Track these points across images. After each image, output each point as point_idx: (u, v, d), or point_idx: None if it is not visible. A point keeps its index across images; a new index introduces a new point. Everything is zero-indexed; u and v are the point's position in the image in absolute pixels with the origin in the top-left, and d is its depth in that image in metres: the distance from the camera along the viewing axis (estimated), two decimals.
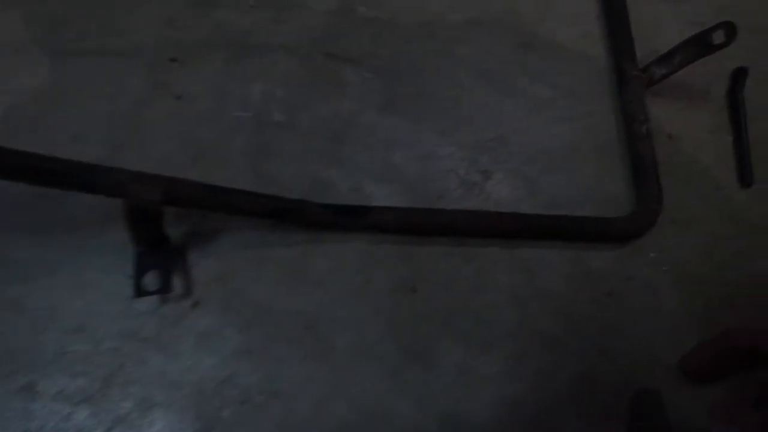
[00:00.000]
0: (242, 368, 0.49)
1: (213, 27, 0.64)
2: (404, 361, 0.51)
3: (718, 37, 0.56)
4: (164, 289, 0.48)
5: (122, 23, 0.63)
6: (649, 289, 0.57)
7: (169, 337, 0.49)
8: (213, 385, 0.48)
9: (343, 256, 0.54)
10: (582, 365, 0.53)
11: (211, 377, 0.48)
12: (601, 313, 0.55)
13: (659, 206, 0.57)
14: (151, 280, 0.49)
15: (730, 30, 0.55)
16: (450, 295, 0.54)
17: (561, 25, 0.68)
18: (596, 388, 0.53)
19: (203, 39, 0.63)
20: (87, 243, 0.52)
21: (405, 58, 0.64)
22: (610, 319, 0.55)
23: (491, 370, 0.52)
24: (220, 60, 0.62)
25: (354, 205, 0.54)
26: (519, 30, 0.67)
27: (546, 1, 0.68)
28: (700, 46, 0.58)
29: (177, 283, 0.50)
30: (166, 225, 0.50)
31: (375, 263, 0.54)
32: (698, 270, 0.58)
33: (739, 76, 0.66)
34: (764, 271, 0.59)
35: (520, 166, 0.60)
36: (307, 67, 0.63)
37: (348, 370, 0.50)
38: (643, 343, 0.55)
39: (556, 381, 0.52)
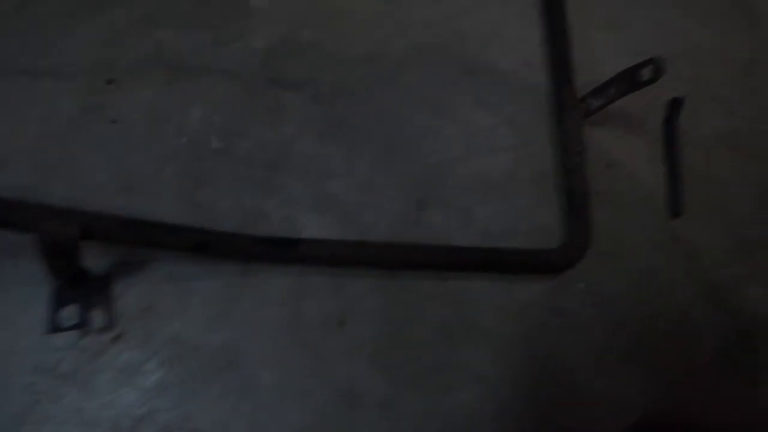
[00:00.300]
0: (162, 405, 0.48)
1: (153, 47, 0.62)
2: (330, 398, 0.51)
3: (647, 73, 0.57)
4: (82, 323, 0.47)
5: (57, 42, 0.61)
6: (577, 321, 0.57)
7: (88, 372, 0.48)
8: (130, 423, 0.47)
9: (271, 289, 0.53)
10: (510, 398, 0.54)
11: (128, 414, 0.47)
12: (530, 345, 0.56)
13: (588, 239, 0.57)
14: (69, 314, 0.48)
15: (658, 67, 0.56)
16: (379, 329, 0.53)
17: (505, 51, 0.68)
18: (524, 424, 0.54)
19: (142, 60, 0.61)
20: (3, 274, 0.51)
21: (347, 85, 0.63)
22: (540, 352, 0.56)
23: (416, 406, 0.52)
24: (158, 82, 0.61)
25: (283, 237, 0.54)
26: (463, 56, 0.66)
27: (491, 26, 0.68)
28: (631, 80, 0.58)
29: (98, 315, 0.49)
30: (87, 257, 0.49)
31: (304, 296, 0.54)
32: (626, 301, 0.58)
33: (674, 106, 0.66)
34: (691, 301, 0.60)
35: (456, 196, 0.60)
36: (248, 91, 0.62)
37: (271, 407, 0.49)
38: (572, 374, 0.56)
39: (484, 415, 0.53)
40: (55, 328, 0.47)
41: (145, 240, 0.48)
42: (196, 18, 0.64)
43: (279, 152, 0.59)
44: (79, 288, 0.48)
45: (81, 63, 0.61)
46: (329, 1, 0.66)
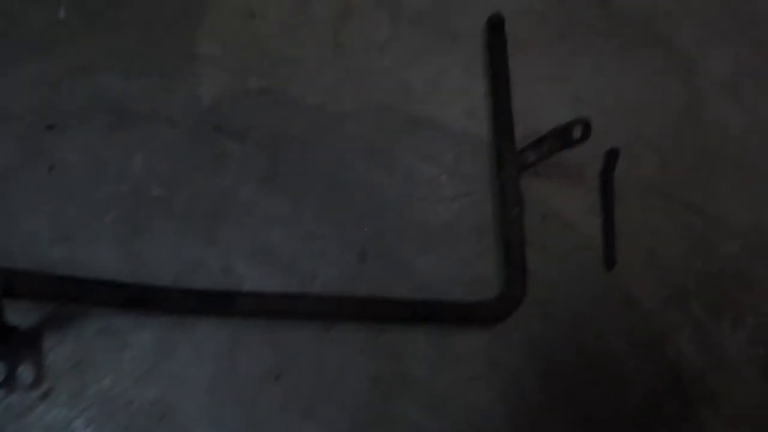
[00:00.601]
0: None
1: (97, 92, 0.62)
2: None
3: (577, 132, 0.60)
4: (7, 381, 0.47)
5: None
6: (512, 373, 0.59)
7: (13, 431, 0.48)
8: None
9: (207, 342, 0.54)
10: None
11: None
12: (466, 397, 0.57)
13: (524, 291, 0.59)
14: None
15: (586, 127, 0.58)
16: (314, 383, 0.54)
17: (449, 101, 0.69)
18: None
19: (85, 105, 0.61)
20: None
21: (292, 133, 0.64)
22: (474, 403, 0.57)
23: None
24: (100, 128, 0.61)
25: (220, 291, 0.55)
26: (407, 107, 0.68)
27: (435, 77, 0.70)
28: (562, 138, 0.61)
29: (26, 372, 0.49)
30: (16, 311, 0.49)
31: (240, 349, 0.54)
32: (560, 350, 0.61)
33: (610, 157, 0.69)
34: (623, 350, 0.62)
35: (396, 247, 0.61)
36: (192, 139, 0.62)
37: None
38: (507, 427, 0.57)
39: None
40: None
41: (74, 297, 0.48)
42: (142, 63, 0.64)
43: (220, 201, 0.60)
44: (5, 344, 0.48)
45: (20, 107, 0.60)
46: (277, 49, 0.68)
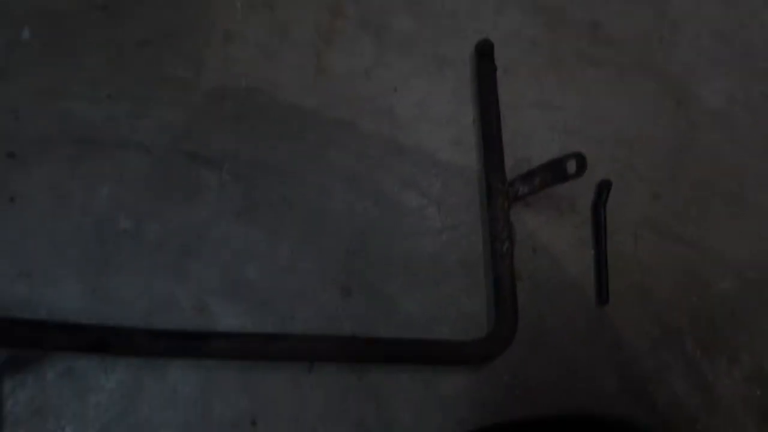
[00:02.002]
0: None
1: (61, 119, 0.62)
2: None
3: (571, 168, 0.61)
4: None
5: None
6: (501, 416, 0.60)
7: None
8: None
9: (178, 386, 0.53)
10: None
11: None
12: None
13: (513, 330, 0.60)
14: None
15: (581, 162, 0.60)
16: (293, 429, 0.54)
17: (435, 128, 0.71)
18: None
19: (49, 133, 0.61)
20: None
21: (270, 160, 0.65)
22: None
23: None
24: (64, 157, 0.60)
25: (191, 331, 0.55)
26: (392, 134, 0.69)
27: (422, 104, 0.71)
28: (555, 173, 0.63)
29: None
30: None
31: (214, 393, 0.54)
32: (549, 392, 0.61)
33: (602, 189, 0.71)
34: (613, 392, 0.64)
35: (380, 282, 0.62)
36: (163, 167, 0.62)
37: None
38: None
39: None
40: None
41: (33, 342, 0.47)
42: (110, 87, 0.64)
43: (193, 234, 0.60)
44: None
45: None
46: (255, 72, 0.68)
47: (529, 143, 0.72)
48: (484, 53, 0.73)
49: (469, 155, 0.70)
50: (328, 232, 0.63)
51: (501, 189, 0.66)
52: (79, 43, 0.66)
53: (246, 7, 0.71)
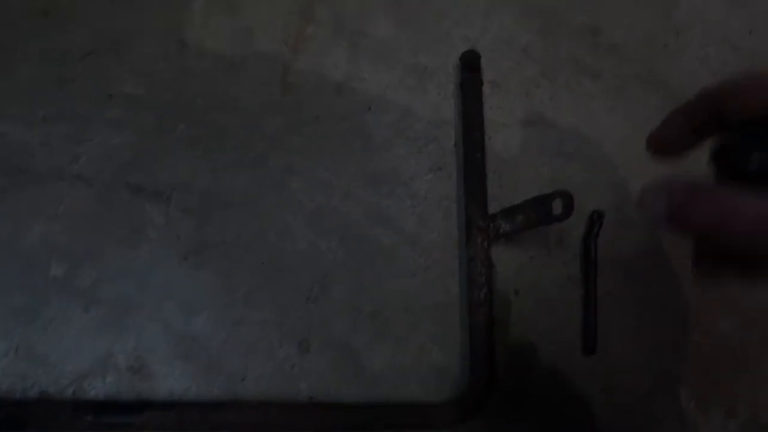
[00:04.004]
0: None
1: None
2: None
3: (557, 207, 0.47)
4: None
5: None
6: None
7: None
8: None
9: None
10: None
11: None
12: None
13: (488, 391, 0.47)
14: None
15: (568, 202, 0.45)
16: None
17: (413, 151, 0.56)
18: None
19: None
20: None
21: (225, 192, 0.51)
22: None
23: None
24: None
25: (123, 401, 0.42)
26: (366, 156, 0.55)
27: (400, 120, 0.56)
28: (539, 212, 0.48)
29: None
30: None
31: None
32: None
33: (594, 220, 0.57)
34: None
35: (344, 334, 0.49)
36: (105, 202, 0.48)
37: None
38: None
39: None
40: None
41: None
42: (48, 106, 0.50)
43: (135, 280, 0.47)
44: None
45: None
46: (214, 88, 0.53)
47: (516, 169, 0.57)
48: (470, 65, 0.57)
49: (449, 183, 0.55)
50: (288, 275, 0.49)
51: (481, 225, 0.51)
52: (13, 54, 0.51)
53: (205, 10, 0.56)
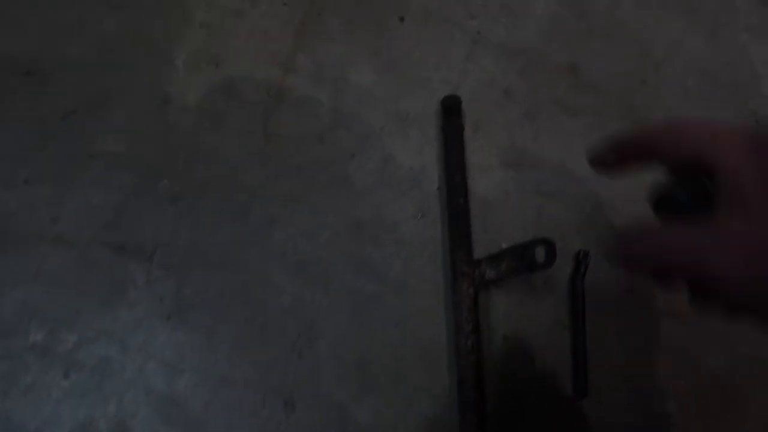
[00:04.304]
0: None
1: None
2: None
3: (539, 255, 0.45)
4: None
5: None
6: None
7: None
8: None
9: None
10: None
11: None
12: None
13: None
14: None
15: (550, 250, 0.44)
16: None
17: (397, 197, 0.54)
18: None
19: None
20: None
21: (208, 247, 0.49)
22: None
23: None
24: None
25: None
26: (349, 204, 0.53)
27: (382, 167, 0.55)
28: (523, 260, 0.47)
29: None
30: None
31: None
32: None
33: (580, 260, 0.55)
34: None
35: (329, 389, 0.47)
36: (86, 263, 0.47)
37: None
38: None
39: None
40: None
41: None
42: (29, 168, 0.49)
43: (115, 343, 0.45)
44: None
45: None
46: (197, 141, 0.53)
47: (500, 211, 0.56)
48: (451, 110, 0.56)
49: (433, 228, 0.54)
50: (272, 330, 0.48)
51: (466, 271, 0.50)
52: None
53: (188, 65, 0.55)
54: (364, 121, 0.56)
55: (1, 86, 0.52)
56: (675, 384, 0.53)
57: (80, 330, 0.45)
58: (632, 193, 0.58)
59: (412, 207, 0.54)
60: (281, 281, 0.49)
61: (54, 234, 0.47)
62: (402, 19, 0.61)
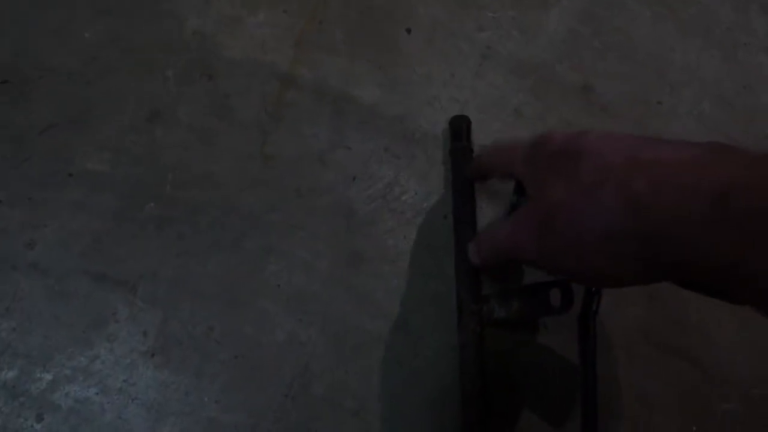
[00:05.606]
0: None
1: None
2: None
3: (555, 299, 0.42)
4: None
5: None
6: None
7: None
8: None
9: None
10: None
11: None
12: None
13: None
14: None
15: (567, 295, 0.40)
16: None
17: (401, 226, 0.50)
18: None
19: None
20: None
21: (196, 279, 0.45)
22: None
23: None
24: None
25: None
26: (350, 233, 0.49)
27: (386, 192, 0.51)
28: (536, 302, 0.43)
29: None
30: None
31: None
32: None
33: (591, 297, 0.51)
34: None
35: None
36: (63, 294, 0.43)
37: None
38: None
39: None
40: None
41: None
42: (3, 189, 0.44)
43: (93, 383, 0.41)
44: None
45: None
46: (187, 162, 0.48)
47: None
48: (459, 131, 0.52)
49: (440, 260, 0.50)
50: (264, 371, 0.44)
51: (474, 308, 0.46)
52: None
53: (179, 77, 0.50)
54: (367, 141, 0.52)
55: None
56: (685, 426, 0.50)
57: (55, 368, 0.40)
58: None
59: (417, 236, 0.50)
60: (275, 317, 0.45)
61: (28, 261, 0.43)
62: (409, 31, 0.57)
